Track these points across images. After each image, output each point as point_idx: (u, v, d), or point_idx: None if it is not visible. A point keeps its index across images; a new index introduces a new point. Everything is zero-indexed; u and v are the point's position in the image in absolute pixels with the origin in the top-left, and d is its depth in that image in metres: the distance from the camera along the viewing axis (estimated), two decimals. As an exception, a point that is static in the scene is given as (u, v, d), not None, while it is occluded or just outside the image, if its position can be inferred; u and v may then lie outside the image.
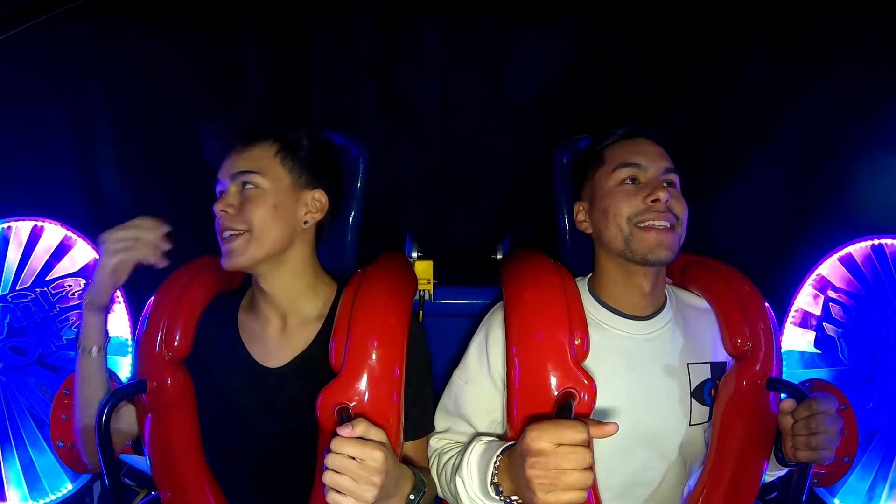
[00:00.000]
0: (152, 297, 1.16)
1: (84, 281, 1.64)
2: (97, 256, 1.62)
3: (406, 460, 1.06)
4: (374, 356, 0.98)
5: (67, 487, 1.59)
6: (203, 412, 1.14)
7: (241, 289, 1.24)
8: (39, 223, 1.63)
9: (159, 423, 1.10)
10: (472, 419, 1.12)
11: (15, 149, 1.65)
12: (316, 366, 1.07)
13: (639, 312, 1.12)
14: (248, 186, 1.07)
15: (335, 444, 0.84)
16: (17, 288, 1.61)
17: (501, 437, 1.06)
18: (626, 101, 1.75)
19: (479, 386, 1.12)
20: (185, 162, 1.68)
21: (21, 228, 1.62)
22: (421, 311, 1.56)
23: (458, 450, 1.09)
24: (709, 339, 1.14)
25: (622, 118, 1.30)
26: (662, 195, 1.04)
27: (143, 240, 1.06)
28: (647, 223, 1.05)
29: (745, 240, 1.74)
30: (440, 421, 1.16)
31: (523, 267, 1.13)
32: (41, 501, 1.59)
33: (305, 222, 1.11)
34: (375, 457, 0.83)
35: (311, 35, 1.69)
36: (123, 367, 1.56)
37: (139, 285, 1.16)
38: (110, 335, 1.14)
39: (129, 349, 1.58)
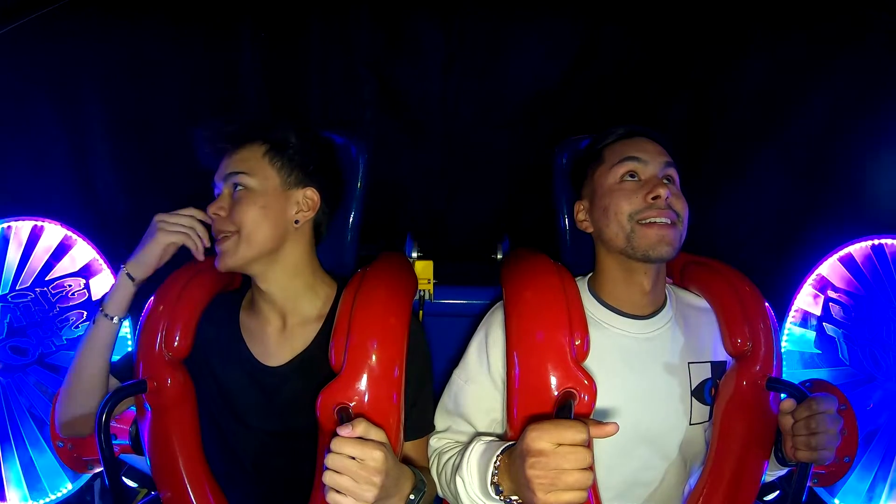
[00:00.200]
0: (152, 297, 1.16)
1: (84, 281, 1.64)
2: (97, 256, 1.64)
3: (406, 460, 1.07)
4: (374, 356, 0.98)
5: (67, 487, 1.60)
6: (203, 411, 1.14)
7: (241, 288, 1.24)
8: (39, 223, 1.63)
9: (159, 423, 1.10)
10: (472, 419, 1.12)
11: (15, 149, 1.65)
12: (316, 365, 1.07)
13: (639, 311, 1.12)
14: (238, 188, 1.08)
15: (335, 444, 0.84)
16: (17, 288, 1.61)
17: (501, 437, 1.06)
18: (627, 100, 1.75)
19: (478, 385, 1.12)
20: (184, 161, 1.69)
21: (21, 228, 1.62)
22: (421, 311, 1.56)
23: (457, 449, 1.09)
24: (709, 338, 1.14)
25: (623, 117, 1.30)
26: (663, 192, 1.04)
27: (197, 230, 1.12)
28: (648, 220, 1.05)
29: (745, 240, 1.74)
30: (440, 420, 1.16)
31: (523, 267, 1.13)
32: (41, 501, 1.59)
33: (297, 221, 1.11)
34: (375, 457, 0.83)
35: (307, 32, 1.69)
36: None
37: (139, 285, 1.15)
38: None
39: (129, 349, 1.58)
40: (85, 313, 1.64)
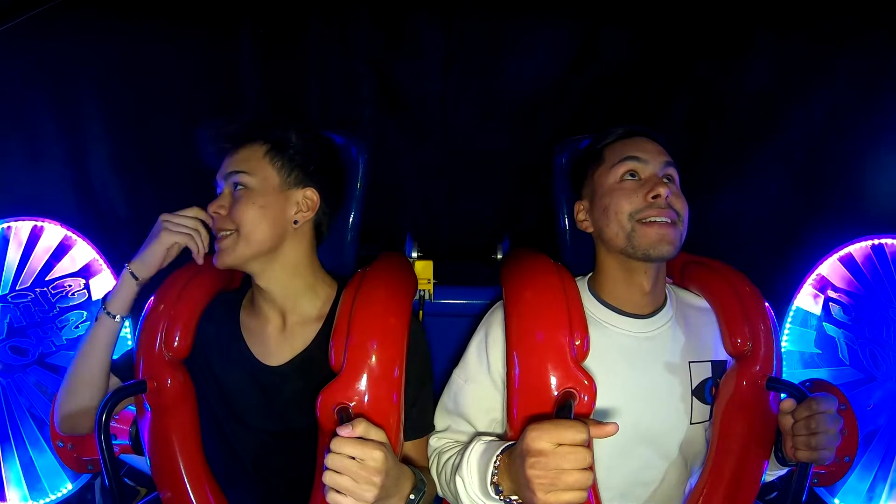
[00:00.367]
0: (152, 297, 1.16)
1: (84, 281, 1.64)
2: (97, 256, 1.65)
3: (406, 460, 1.06)
4: (373, 356, 0.98)
5: (67, 487, 1.60)
6: (203, 411, 1.14)
7: (242, 288, 1.24)
8: (39, 223, 1.63)
9: (159, 423, 1.10)
10: (472, 418, 1.12)
11: (14, 149, 1.65)
12: (316, 365, 1.07)
13: (639, 311, 1.12)
14: (238, 187, 1.08)
15: (335, 444, 0.84)
16: (17, 288, 1.61)
17: (501, 437, 1.06)
18: (627, 99, 1.75)
19: (478, 385, 1.12)
20: (183, 161, 1.69)
21: (21, 228, 1.63)
22: (421, 311, 1.56)
23: (457, 449, 1.09)
24: (710, 337, 1.14)
25: (623, 117, 1.30)
26: (663, 191, 1.04)
27: (201, 232, 1.12)
28: (648, 219, 1.05)
29: (745, 240, 1.74)
30: (440, 420, 1.16)
31: (523, 267, 1.13)
32: (41, 501, 1.59)
33: (296, 221, 1.11)
34: (375, 457, 0.83)
35: (307, 31, 1.69)
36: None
37: (139, 284, 1.15)
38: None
39: (129, 348, 1.58)
40: (85, 313, 1.64)
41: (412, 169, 1.87)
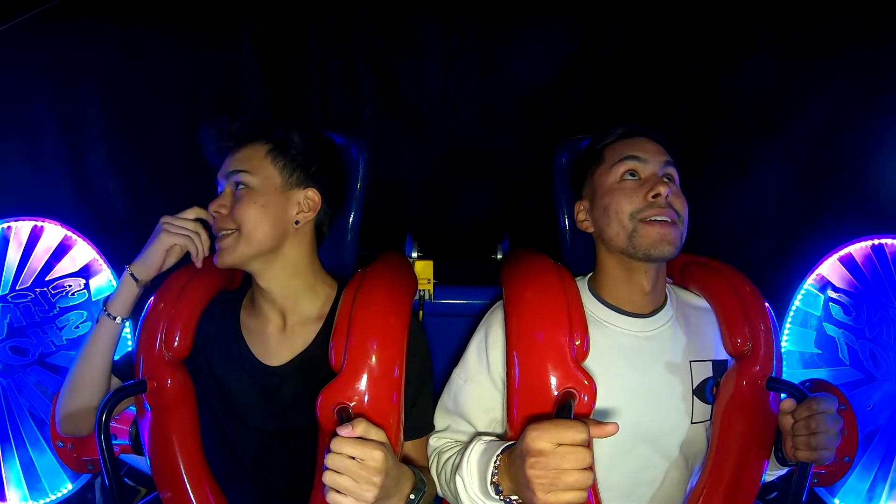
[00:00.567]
0: (152, 297, 1.16)
1: (84, 281, 1.64)
2: (97, 256, 1.64)
3: (406, 460, 1.07)
4: (373, 356, 0.98)
5: (67, 487, 1.59)
6: (203, 411, 1.14)
7: (242, 287, 1.24)
8: (39, 223, 1.63)
9: (159, 423, 1.10)
10: (472, 418, 1.12)
11: (15, 149, 1.65)
12: (316, 365, 1.07)
13: (640, 310, 1.12)
14: (240, 186, 1.08)
15: (335, 444, 0.84)
16: (17, 288, 1.61)
17: (501, 437, 1.06)
18: (627, 100, 1.75)
19: (478, 385, 1.12)
20: (184, 161, 1.69)
21: (21, 228, 1.62)
22: (421, 311, 1.56)
23: (457, 449, 1.09)
24: (710, 337, 1.14)
25: (623, 117, 1.30)
26: (663, 190, 1.04)
27: (202, 235, 1.13)
28: (649, 218, 1.05)
29: (745, 240, 1.74)
30: (440, 419, 1.16)
31: (523, 267, 1.13)
32: (41, 501, 1.59)
33: (297, 222, 1.11)
34: (375, 457, 0.83)
35: (307, 30, 1.69)
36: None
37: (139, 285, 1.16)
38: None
39: (130, 349, 1.58)
40: (85, 313, 1.64)
41: (412, 169, 1.87)
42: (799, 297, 1.63)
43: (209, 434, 1.14)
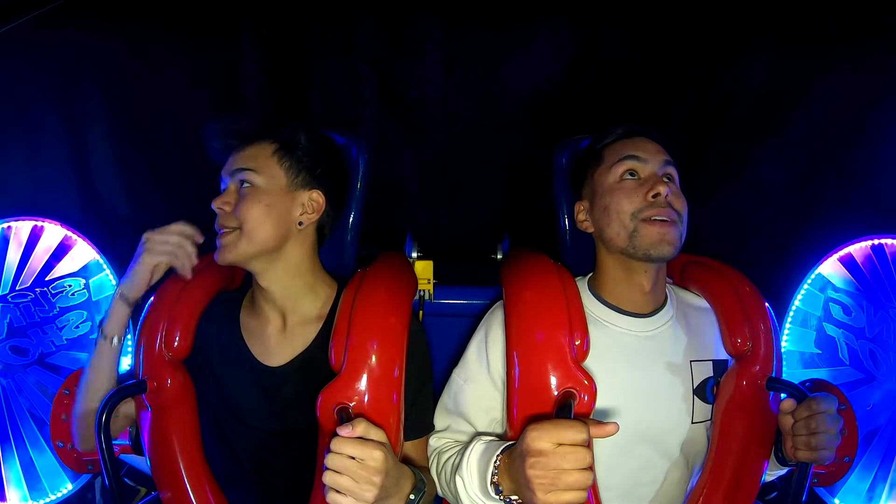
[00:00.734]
0: (152, 297, 1.16)
1: (84, 281, 1.64)
2: (97, 256, 1.64)
3: (406, 460, 1.06)
4: (373, 356, 0.98)
5: (67, 487, 1.60)
6: (203, 411, 1.14)
7: (242, 287, 1.24)
8: (39, 223, 1.63)
9: (159, 423, 1.10)
10: (472, 418, 1.12)
11: (15, 149, 1.65)
12: (316, 365, 1.07)
13: (640, 310, 1.12)
14: (244, 185, 1.08)
15: (335, 444, 0.84)
16: (17, 288, 1.61)
17: (501, 437, 1.06)
18: (627, 100, 1.75)
19: (478, 385, 1.12)
20: (184, 161, 1.69)
21: (21, 228, 1.63)
22: (421, 311, 1.56)
23: (457, 449, 1.09)
24: (711, 337, 1.14)
25: (623, 117, 1.30)
26: (663, 189, 1.04)
27: (185, 249, 1.11)
28: (649, 218, 1.05)
29: (745, 240, 1.74)
30: (439, 419, 1.16)
31: (523, 267, 1.13)
32: (41, 501, 1.59)
33: (300, 223, 1.10)
34: (375, 457, 0.83)
35: (309, 31, 1.69)
36: (123, 367, 1.56)
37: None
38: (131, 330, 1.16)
39: (130, 349, 1.58)
40: (85, 313, 1.64)
41: (413, 169, 1.87)
42: (799, 297, 1.63)
43: (209, 434, 1.14)
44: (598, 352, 1.04)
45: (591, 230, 1.16)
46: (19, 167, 1.66)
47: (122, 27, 1.61)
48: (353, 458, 0.83)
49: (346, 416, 0.93)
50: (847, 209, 1.64)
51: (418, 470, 1.00)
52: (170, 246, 1.10)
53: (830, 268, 1.61)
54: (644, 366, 1.09)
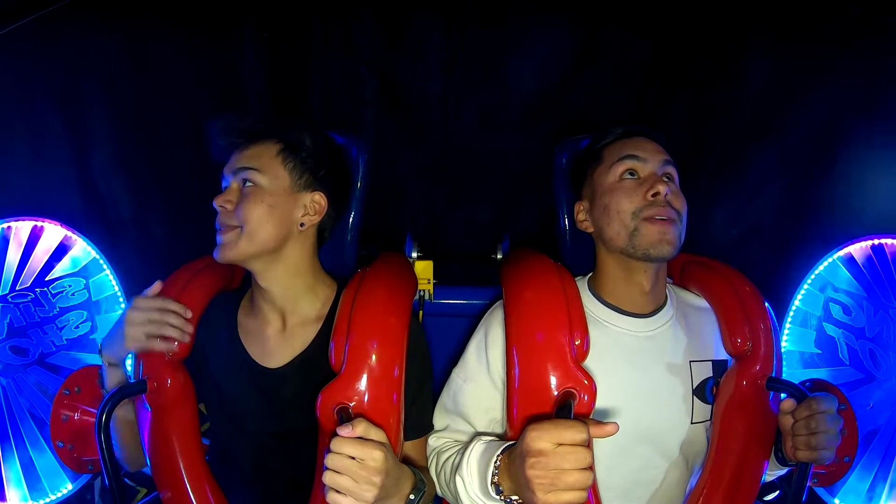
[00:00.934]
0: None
1: (84, 281, 1.64)
2: (97, 256, 1.64)
3: (406, 460, 1.06)
4: (373, 356, 0.98)
5: (67, 487, 1.59)
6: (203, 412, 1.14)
7: (241, 288, 1.24)
8: (39, 223, 1.63)
9: (159, 424, 1.10)
10: (471, 418, 1.12)
11: (15, 149, 1.65)
12: (316, 366, 1.07)
13: (640, 310, 1.12)
14: (247, 184, 1.07)
15: (335, 444, 0.84)
16: (17, 288, 1.61)
17: (501, 437, 1.06)
18: (628, 99, 1.75)
19: (477, 384, 1.12)
20: (185, 161, 1.69)
21: (21, 228, 1.62)
22: (421, 311, 1.56)
23: (456, 448, 1.09)
24: (710, 337, 1.14)
25: (624, 117, 1.30)
26: (662, 188, 1.05)
27: (170, 321, 1.07)
28: (649, 217, 1.05)
29: (746, 240, 1.74)
30: (439, 419, 1.16)
31: (523, 267, 1.13)
32: (41, 501, 1.58)
33: (302, 224, 1.10)
34: (375, 457, 0.83)
35: (309, 32, 1.69)
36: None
37: (139, 286, 1.16)
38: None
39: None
40: (85, 313, 1.64)
41: (413, 170, 1.87)
42: (799, 297, 1.63)
43: (209, 434, 1.14)
44: (598, 352, 1.05)
45: (591, 230, 1.16)
46: (20, 167, 1.66)
47: (123, 27, 1.61)
48: (353, 458, 0.83)
49: (346, 416, 0.93)
50: (847, 209, 1.64)
51: (418, 470, 1.00)
52: (152, 331, 1.06)
53: (830, 268, 1.61)
54: (644, 366, 1.09)
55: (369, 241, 1.37)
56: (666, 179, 1.08)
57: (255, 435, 1.11)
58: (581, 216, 1.17)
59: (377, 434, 0.86)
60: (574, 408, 0.92)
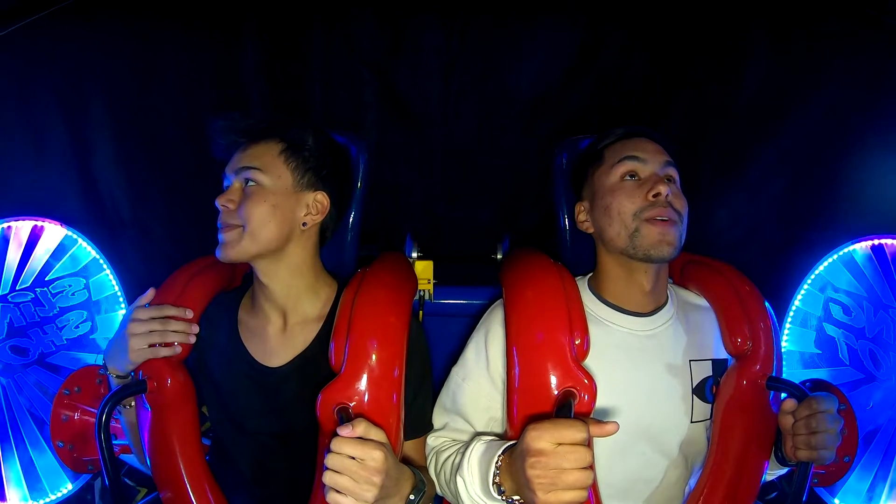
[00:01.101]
0: (154, 297, 1.15)
1: (84, 281, 1.64)
2: (97, 256, 1.65)
3: (405, 460, 1.06)
4: (373, 356, 0.98)
5: (67, 487, 1.59)
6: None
7: (242, 287, 1.24)
8: (39, 223, 1.63)
9: (159, 424, 1.10)
10: (470, 417, 1.12)
11: (15, 149, 1.65)
12: (316, 366, 1.07)
13: (640, 309, 1.12)
14: (250, 183, 1.07)
15: (335, 444, 0.84)
16: (17, 288, 1.61)
17: (501, 436, 1.06)
18: (628, 100, 1.75)
19: (476, 383, 1.12)
20: (185, 161, 1.69)
21: (21, 228, 1.62)
22: (421, 311, 1.56)
23: (456, 448, 1.09)
24: (710, 336, 1.14)
25: (624, 117, 1.30)
26: (663, 189, 1.05)
27: (170, 328, 1.07)
28: (650, 217, 1.05)
29: (745, 240, 1.74)
30: (437, 418, 1.16)
31: (523, 267, 1.13)
32: (41, 501, 1.58)
33: (304, 224, 1.10)
34: (375, 457, 0.83)
35: (310, 32, 1.69)
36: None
37: (139, 285, 1.16)
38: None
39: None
40: (85, 313, 1.64)
41: (413, 171, 1.87)
42: (799, 297, 1.63)
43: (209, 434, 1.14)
44: (598, 351, 1.05)
45: (591, 231, 1.16)
46: (20, 167, 1.66)
47: (124, 28, 1.61)
48: (353, 458, 0.83)
49: (346, 416, 0.93)
50: (847, 209, 1.64)
51: (418, 470, 1.00)
52: (155, 336, 1.06)
53: (830, 268, 1.61)
54: (644, 365, 1.09)
55: (369, 241, 1.37)
56: (667, 180, 1.08)
57: (255, 435, 1.11)
58: (581, 217, 1.17)
59: (377, 434, 0.86)
60: (574, 407, 0.92)
